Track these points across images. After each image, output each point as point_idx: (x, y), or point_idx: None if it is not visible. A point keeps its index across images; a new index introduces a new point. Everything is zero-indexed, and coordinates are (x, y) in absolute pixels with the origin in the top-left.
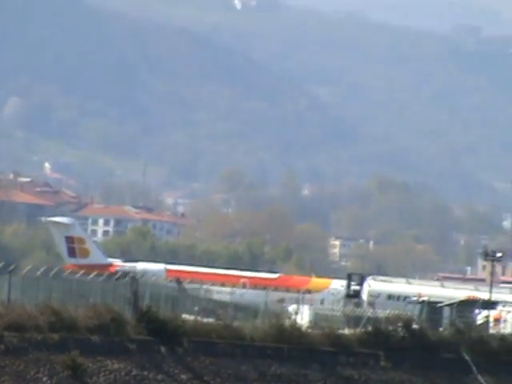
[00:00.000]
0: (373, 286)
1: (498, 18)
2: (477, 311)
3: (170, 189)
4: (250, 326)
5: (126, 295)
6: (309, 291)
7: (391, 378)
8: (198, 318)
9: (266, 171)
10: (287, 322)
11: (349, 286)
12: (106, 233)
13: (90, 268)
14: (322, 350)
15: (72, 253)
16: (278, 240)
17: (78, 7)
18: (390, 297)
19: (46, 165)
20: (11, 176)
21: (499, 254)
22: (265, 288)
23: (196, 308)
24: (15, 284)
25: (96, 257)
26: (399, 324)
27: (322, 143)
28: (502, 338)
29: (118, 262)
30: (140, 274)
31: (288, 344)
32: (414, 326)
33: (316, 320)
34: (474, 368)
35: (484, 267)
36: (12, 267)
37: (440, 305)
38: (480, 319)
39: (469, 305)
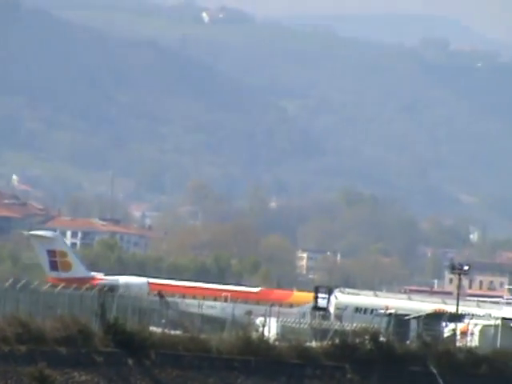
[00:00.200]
0: (340, 298)
1: (466, 32)
2: (444, 324)
3: (138, 201)
4: (217, 338)
5: (93, 307)
6: (291, 305)
7: None
8: (166, 330)
9: (233, 184)
10: (254, 335)
11: (316, 298)
12: (73, 245)
13: (72, 281)
14: (289, 363)
15: (54, 266)
16: (245, 253)
17: (46, 20)
18: (357, 309)
19: (14, 177)
20: None
21: (466, 267)
22: (246, 302)
23: (163, 320)
24: None
25: (78, 270)
26: (366, 337)
27: (290, 156)
28: (469, 351)
29: (99, 276)
30: (122, 287)
31: (255, 356)
32: (381, 339)
33: (283, 332)
34: (441, 381)
35: (451, 280)
36: None
37: (407, 317)
38: (447, 332)
39: (436, 318)
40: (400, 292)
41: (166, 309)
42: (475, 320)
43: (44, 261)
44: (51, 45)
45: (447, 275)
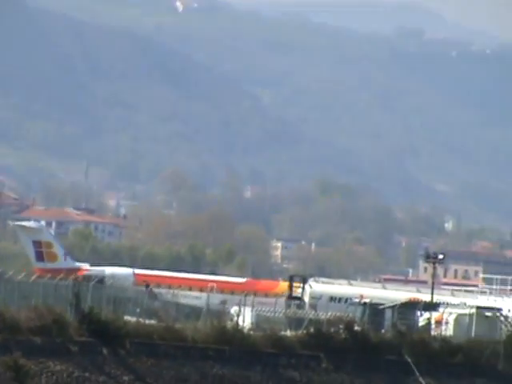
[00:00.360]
0: (314, 287)
1: (440, 21)
2: (418, 313)
3: (112, 190)
4: (192, 327)
5: (67, 297)
6: (277, 295)
7: (333, 379)
8: (140, 319)
9: (208, 173)
10: (229, 324)
11: (291, 287)
12: None
13: (58, 272)
14: (263, 352)
15: (40, 257)
16: (219, 242)
17: (20, 8)
18: (331, 298)
19: None
20: None
21: (441, 256)
22: (232, 292)
23: (138, 309)
24: None
25: (64, 261)
26: (341, 326)
27: (264, 145)
28: (444, 340)
29: (85, 266)
30: (108, 278)
31: (230, 346)
32: (356, 328)
33: (258, 322)
34: (416, 370)
35: (426, 269)
36: None
37: (382, 307)
38: (422, 321)
39: (410, 307)
40: (374, 281)
41: (153, 299)
42: (450, 309)
43: (30, 251)
44: (25, 32)
45: (422, 264)
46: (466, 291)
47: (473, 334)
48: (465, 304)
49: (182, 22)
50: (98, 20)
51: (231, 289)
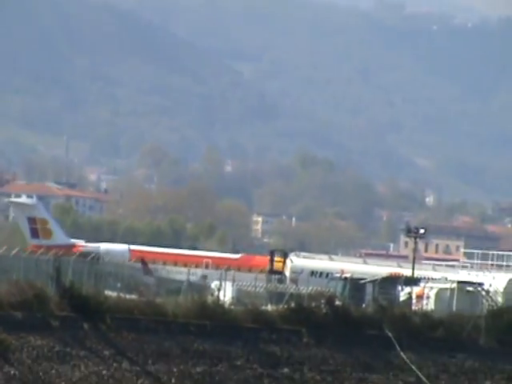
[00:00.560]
0: (295, 262)
1: None
2: (399, 288)
3: (93, 165)
4: (173, 302)
5: (48, 271)
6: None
7: (314, 354)
8: (121, 294)
9: (189, 147)
10: (210, 299)
11: (271, 262)
12: None
13: (53, 249)
14: (244, 327)
15: (35, 234)
16: (200, 216)
17: None
18: (312, 273)
19: None
20: None
21: (422, 231)
22: (228, 268)
23: (119, 284)
24: None
25: (59, 238)
26: (322, 300)
27: (245, 119)
28: (425, 315)
29: (80, 243)
30: (103, 254)
31: (211, 320)
32: (337, 303)
33: (239, 296)
34: (397, 344)
35: (406, 244)
36: None
37: (363, 281)
38: (403, 296)
39: (391, 281)
40: (355, 256)
41: (150, 276)
42: (431, 283)
43: (25, 228)
44: (4, 7)
45: (403, 239)
46: (447, 266)
47: (454, 308)
48: (446, 279)
49: None
50: None
51: (226, 264)
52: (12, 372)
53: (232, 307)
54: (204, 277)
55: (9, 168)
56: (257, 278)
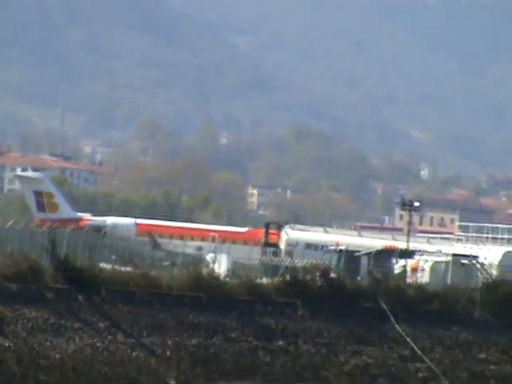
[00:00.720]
0: (290, 235)
1: None
2: (394, 260)
3: (88, 137)
4: (168, 274)
5: (43, 243)
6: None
7: (309, 326)
8: (116, 266)
9: (184, 120)
10: (205, 271)
11: (267, 234)
12: None
13: (59, 222)
14: (239, 299)
15: (41, 207)
16: (195, 189)
17: None
18: (307, 246)
19: None
20: None
21: (416, 204)
22: (234, 242)
23: (114, 257)
24: None
25: (65, 211)
26: (317, 273)
27: (240, 92)
28: (420, 288)
29: (87, 217)
30: (110, 228)
31: (206, 293)
32: (332, 275)
33: (234, 269)
34: (392, 317)
35: (401, 217)
36: None
37: (358, 254)
38: (397, 268)
39: (386, 254)
40: (350, 228)
41: (158, 249)
42: (426, 256)
43: (31, 202)
44: None
45: (398, 211)
46: (441, 238)
47: (449, 281)
48: (441, 251)
49: None
50: None
51: (233, 238)
52: (7, 344)
53: (227, 280)
54: (199, 249)
55: (4, 140)
56: (252, 251)
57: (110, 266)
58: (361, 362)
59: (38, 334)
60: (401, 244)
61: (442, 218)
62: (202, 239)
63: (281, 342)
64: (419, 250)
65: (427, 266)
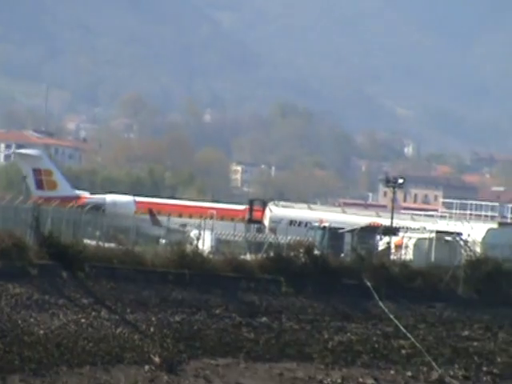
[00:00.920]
0: (274, 211)
1: None
2: (378, 237)
3: (72, 113)
4: (152, 251)
5: (27, 220)
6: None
7: (292, 303)
8: (100, 242)
9: (169, 97)
10: (189, 248)
11: (251, 211)
12: (7, 158)
13: (58, 200)
14: (223, 276)
15: (40, 185)
16: (179, 166)
17: None
18: (291, 222)
19: None
20: None
21: (400, 181)
22: (232, 220)
23: (98, 233)
24: None
25: (64, 189)
26: (301, 250)
27: (225, 69)
28: (403, 265)
29: (86, 195)
30: (109, 206)
31: (189, 270)
32: (316, 252)
33: (218, 246)
34: (375, 294)
35: (385, 193)
36: None
37: (341, 231)
38: (381, 245)
39: (370, 231)
40: (334, 205)
41: (158, 226)
42: (409, 233)
43: (30, 179)
44: None
45: (381, 188)
46: (425, 215)
47: (432, 258)
48: (424, 228)
49: None
50: None
51: (231, 216)
52: None
53: (211, 256)
54: (183, 226)
55: None
56: (235, 228)
57: (94, 243)
58: (345, 339)
59: (21, 310)
60: (385, 221)
61: (426, 195)
62: (201, 217)
63: (264, 319)
64: (403, 227)
65: (411, 243)
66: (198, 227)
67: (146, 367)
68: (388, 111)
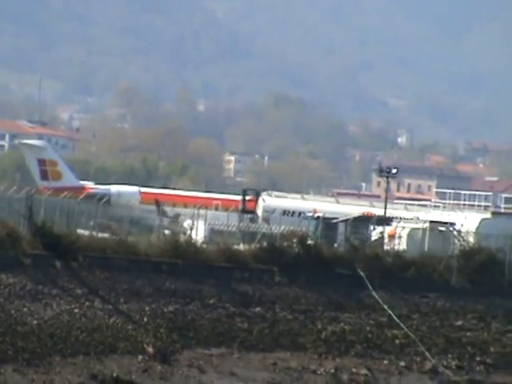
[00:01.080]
0: (268, 201)
1: None
2: (371, 227)
3: (66, 103)
4: (145, 241)
5: (20, 210)
6: None
7: (286, 293)
8: (93, 232)
9: (162, 87)
10: (182, 238)
11: (244, 201)
12: (1, 147)
13: (63, 191)
14: (217, 266)
15: (44, 176)
16: (173, 155)
17: None
18: (285, 212)
19: None
20: None
21: (394, 171)
22: (237, 210)
23: (91, 223)
24: None
25: (68, 180)
26: (294, 240)
27: (218, 59)
28: (397, 255)
29: (90, 185)
30: (114, 196)
31: (183, 260)
32: (309, 242)
33: (211, 236)
34: (369, 284)
35: (379, 183)
36: None
37: (335, 221)
38: (375, 235)
39: (364, 221)
40: (328, 195)
41: (164, 217)
42: (403, 223)
43: (34, 170)
44: None
45: (375, 178)
46: (419, 205)
47: (426, 248)
48: (418, 218)
49: None
50: None
51: (237, 207)
52: None
53: (204, 246)
54: (177, 216)
55: None
56: (229, 217)
57: (88, 233)
58: (338, 329)
59: (15, 300)
60: (378, 211)
61: (420, 185)
62: (206, 207)
63: (258, 309)
64: (396, 217)
65: (404, 233)
66: (192, 217)
67: (140, 357)
68: (381, 101)
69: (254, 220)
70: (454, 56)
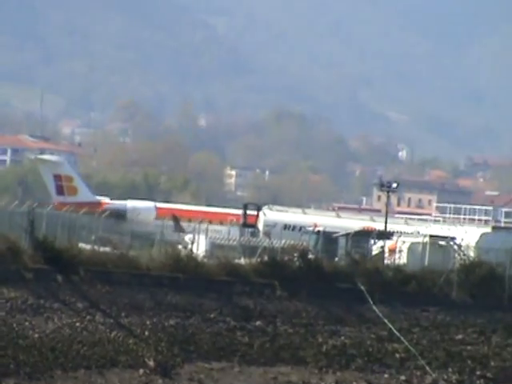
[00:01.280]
0: (268, 215)
1: None
2: (372, 241)
3: (67, 118)
4: (146, 255)
5: (22, 225)
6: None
7: (287, 307)
8: (95, 247)
9: (163, 101)
10: (183, 252)
11: (245, 215)
12: (2, 162)
13: (79, 206)
14: (218, 280)
15: (60, 191)
16: (174, 170)
17: None
18: (285, 227)
19: None
20: None
21: (394, 185)
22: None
23: (93, 237)
24: None
25: (84, 195)
26: (295, 254)
27: (219, 74)
28: (397, 269)
29: (106, 200)
30: (130, 212)
31: (184, 273)
32: (310, 256)
33: (212, 249)
34: (369, 298)
35: (379, 198)
36: None
37: (335, 235)
38: (375, 249)
39: (364, 235)
40: (328, 209)
41: (182, 233)
42: (403, 237)
43: (50, 185)
44: None
45: (376, 193)
46: (419, 220)
47: (426, 262)
48: (418, 232)
49: None
50: None
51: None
52: None
53: (205, 260)
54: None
55: None
56: (230, 232)
57: (89, 247)
58: (339, 343)
59: (16, 314)
60: (379, 225)
61: (420, 200)
62: (221, 223)
63: (259, 323)
64: (397, 231)
65: (405, 247)
66: (193, 231)
67: (141, 371)
68: (382, 116)
69: (254, 234)
70: (454, 71)
